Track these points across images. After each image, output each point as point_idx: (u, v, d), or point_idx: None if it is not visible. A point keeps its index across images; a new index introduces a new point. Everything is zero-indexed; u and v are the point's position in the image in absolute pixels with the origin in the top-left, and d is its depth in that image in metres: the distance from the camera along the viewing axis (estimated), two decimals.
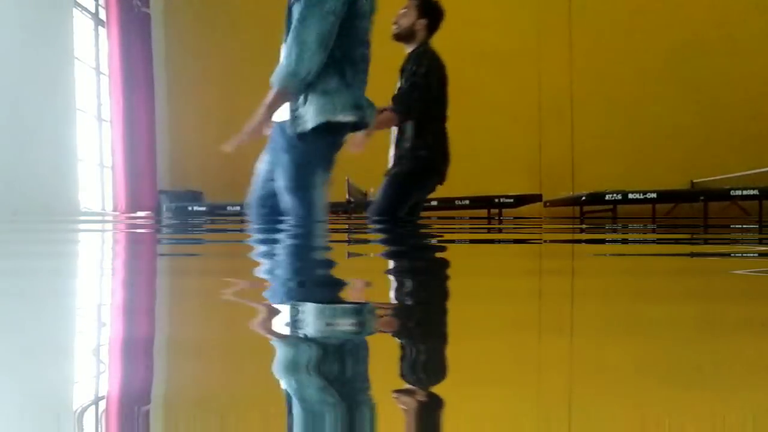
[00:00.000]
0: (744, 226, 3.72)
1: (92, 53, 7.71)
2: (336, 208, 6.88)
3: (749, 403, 0.43)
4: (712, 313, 0.77)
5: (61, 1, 6.81)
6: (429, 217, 6.57)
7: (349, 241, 2.21)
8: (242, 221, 4.82)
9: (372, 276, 1.14)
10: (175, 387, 0.47)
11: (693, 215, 6.58)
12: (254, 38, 8.56)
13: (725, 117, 8.03)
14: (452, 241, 2.14)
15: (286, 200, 2.65)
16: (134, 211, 7.37)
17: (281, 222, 2.59)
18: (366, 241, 2.29)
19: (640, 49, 7.96)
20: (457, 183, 7.81)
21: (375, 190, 8.00)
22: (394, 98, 3.45)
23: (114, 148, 7.66)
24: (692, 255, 1.64)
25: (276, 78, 2.53)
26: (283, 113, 2.59)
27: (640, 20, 7.97)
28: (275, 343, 0.59)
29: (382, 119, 3.24)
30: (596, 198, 6.95)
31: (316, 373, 0.48)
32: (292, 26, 2.49)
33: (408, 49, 3.56)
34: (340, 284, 1.01)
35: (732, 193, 6.68)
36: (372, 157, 8.89)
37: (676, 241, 2.12)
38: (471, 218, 6.29)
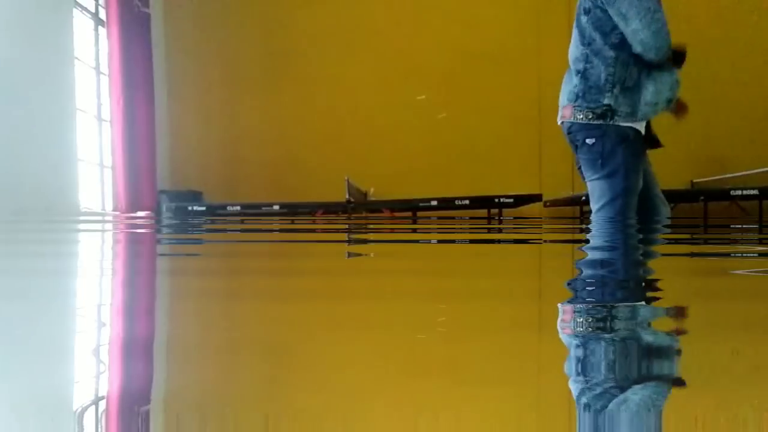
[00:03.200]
0: (744, 226, 3.72)
1: (92, 53, 7.70)
2: (336, 208, 6.88)
3: (750, 402, 0.43)
4: (712, 313, 0.77)
5: (61, 1, 6.80)
6: (429, 217, 6.58)
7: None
8: (241, 220, 4.80)
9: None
10: (175, 387, 0.47)
11: (693, 215, 6.57)
12: (254, 38, 8.57)
13: (725, 117, 8.03)
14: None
15: None
16: (134, 211, 7.36)
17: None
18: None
19: None
20: (457, 183, 7.84)
21: (375, 190, 8.06)
22: None
23: (114, 148, 7.65)
24: (692, 255, 1.64)
25: None
26: None
27: None
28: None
29: None
30: None
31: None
32: None
33: None
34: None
35: (732, 193, 6.67)
36: (372, 157, 8.85)
37: (676, 241, 2.12)
38: (471, 218, 6.28)
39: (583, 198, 7.12)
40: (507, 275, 1.16)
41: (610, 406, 0.41)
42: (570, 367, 0.50)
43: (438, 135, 8.20)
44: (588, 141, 2.75)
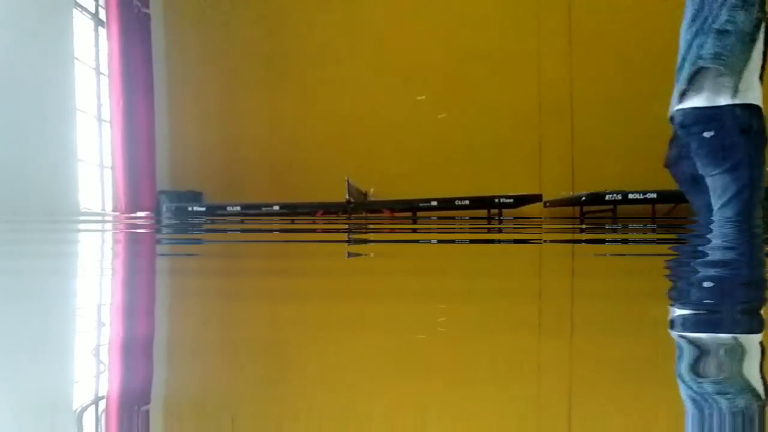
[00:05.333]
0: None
1: (92, 53, 7.70)
2: (336, 209, 6.88)
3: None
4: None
5: (61, 2, 6.80)
6: (429, 218, 6.57)
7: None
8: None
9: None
10: (175, 387, 0.47)
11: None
12: (254, 39, 8.57)
13: None
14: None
15: None
16: (134, 212, 7.36)
17: None
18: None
19: (640, 49, 7.96)
20: (457, 183, 7.84)
21: (375, 190, 8.06)
22: None
23: (114, 148, 7.65)
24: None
25: None
26: None
27: (641, 20, 7.97)
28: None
29: None
30: (596, 198, 6.95)
31: None
32: None
33: None
34: None
35: None
36: (372, 157, 8.84)
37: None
38: (471, 218, 6.28)
39: (583, 198, 7.13)
40: (507, 275, 1.16)
41: (718, 408, 0.41)
42: (680, 367, 0.50)
43: (438, 135, 8.19)
44: (705, 134, 2.54)
